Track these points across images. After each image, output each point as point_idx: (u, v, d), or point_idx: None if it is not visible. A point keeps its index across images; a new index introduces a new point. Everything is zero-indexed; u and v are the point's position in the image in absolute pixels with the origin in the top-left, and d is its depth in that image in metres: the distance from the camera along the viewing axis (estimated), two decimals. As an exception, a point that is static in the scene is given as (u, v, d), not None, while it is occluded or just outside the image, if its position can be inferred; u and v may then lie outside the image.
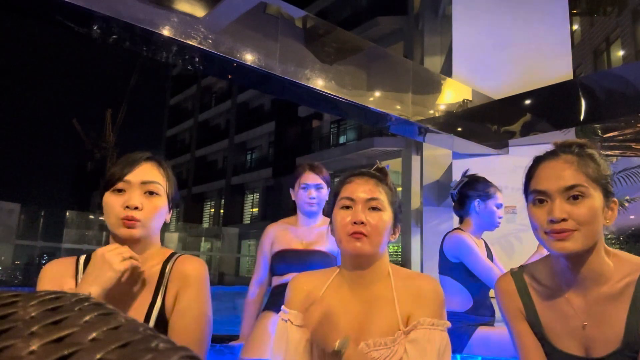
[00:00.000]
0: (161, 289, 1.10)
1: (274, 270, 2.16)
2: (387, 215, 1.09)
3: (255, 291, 2.19)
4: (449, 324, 1.05)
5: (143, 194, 1.09)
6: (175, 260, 1.14)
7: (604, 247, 0.97)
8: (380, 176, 1.14)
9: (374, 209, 1.07)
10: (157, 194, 1.11)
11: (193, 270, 1.12)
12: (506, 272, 1.14)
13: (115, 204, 1.07)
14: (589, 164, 0.96)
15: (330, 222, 1.14)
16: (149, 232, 1.10)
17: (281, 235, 2.17)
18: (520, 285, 1.07)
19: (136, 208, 1.06)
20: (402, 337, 1.02)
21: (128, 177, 1.08)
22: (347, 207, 1.08)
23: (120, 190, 1.08)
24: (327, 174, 2.20)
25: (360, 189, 1.09)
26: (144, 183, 1.09)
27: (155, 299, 1.09)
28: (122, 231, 1.07)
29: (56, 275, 1.11)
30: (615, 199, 0.98)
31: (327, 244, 2.10)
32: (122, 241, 1.09)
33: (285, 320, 1.10)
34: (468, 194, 2.22)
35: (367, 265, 1.09)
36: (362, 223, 1.05)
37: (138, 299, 1.09)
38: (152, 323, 1.07)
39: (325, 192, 2.16)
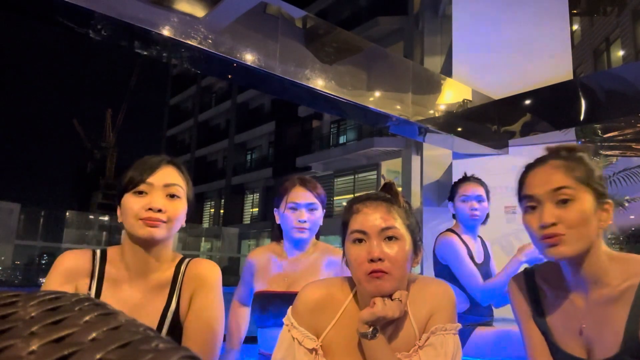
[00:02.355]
0: (175, 292, 1.10)
1: (254, 320, 1.74)
2: (406, 242, 1.00)
3: (237, 306, 1.92)
4: (460, 326, 1.05)
5: (165, 196, 1.08)
6: (188, 263, 1.15)
7: (604, 250, 0.96)
8: (391, 198, 1.04)
9: (390, 238, 0.98)
10: (178, 196, 1.10)
11: (209, 273, 1.13)
12: (520, 272, 1.14)
13: (136, 205, 1.06)
14: (577, 167, 0.96)
15: (344, 255, 1.06)
16: (169, 234, 1.10)
17: (262, 269, 1.74)
18: (531, 285, 1.08)
19: (160, 210, 1.06)
20: (417, 350, 1.01)
21: (150, 180, 1.07)
22: (360, 241, 0.99)
23: (141, 193, 1.07)
24: (323, 191, 1.73)
25: (371, 219, 0.99)
26: (166, 186, 1.09)
27: (169, 303, 1.09)
28: (142, 231, 1.05)
29: (71, 271, 1.08)
30: (609, 201, 0.97)
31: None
32: (142, 242, 1.07)
33: (289, 331, 1.05)
34: (450, 197, 2.30)
35: (389, 296, 1.00)
36: (380, 259, 0.96)
37: (152, 302, 1.09)
38: (166, 326, 1.07)
39: (319, 214, 1.69)
